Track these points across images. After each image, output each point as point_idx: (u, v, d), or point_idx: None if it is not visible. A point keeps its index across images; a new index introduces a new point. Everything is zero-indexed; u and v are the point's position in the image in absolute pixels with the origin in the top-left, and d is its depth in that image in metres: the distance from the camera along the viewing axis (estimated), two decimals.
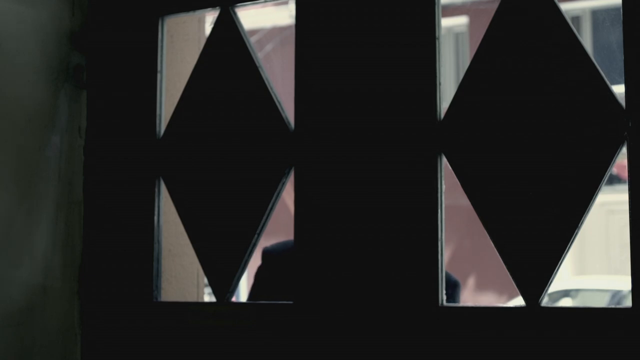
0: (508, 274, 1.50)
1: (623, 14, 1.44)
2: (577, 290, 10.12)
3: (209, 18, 2.03)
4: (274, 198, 1.74)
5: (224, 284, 1.77)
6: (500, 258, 1.51)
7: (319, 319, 1.64)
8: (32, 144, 1.83)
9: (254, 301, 2.52)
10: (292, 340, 1.66)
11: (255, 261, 2.10)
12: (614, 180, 9.84)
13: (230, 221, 1.78)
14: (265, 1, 1.82)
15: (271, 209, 1.75)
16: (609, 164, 1.44)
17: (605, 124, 1.44)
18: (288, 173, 1.73)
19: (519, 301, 3.09)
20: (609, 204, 11.12)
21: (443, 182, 1.58)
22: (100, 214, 1.92)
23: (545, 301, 1.49)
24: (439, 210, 1.56)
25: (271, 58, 11.44)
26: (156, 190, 1.86)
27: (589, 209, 1.45)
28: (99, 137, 1.94)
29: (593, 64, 1.47)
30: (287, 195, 1.75)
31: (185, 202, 1.84)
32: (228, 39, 1.83)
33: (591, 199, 1.45)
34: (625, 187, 1.44)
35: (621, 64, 1.43)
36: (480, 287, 11.76)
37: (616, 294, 9.64)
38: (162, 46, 1.90)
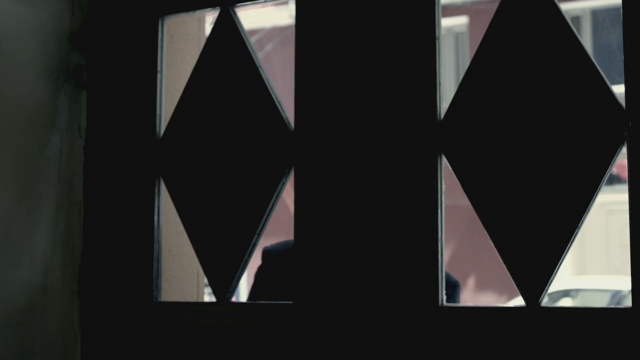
0: (508, 274, 1.50)
1: (623, 14, 1.44)
2: (577, 290, 10.11)
3: (209, 18, 2.03)
4: (274, 198, 1.74)
5: (224, 284, 1.77)
6: (500, 258, 1.51)
7: (319, 319, 1.64)
8: (32, 144, 1.83)
9: (254, 301, 2.52)
10: (292, 340, 1.66)
11: (255, 261, 2.10)
12: (614, 180, 9.84)
13: (230, 221, 1.78)
14: (265, 1, 1.82)
15: (271, 209, 1.75)
16: (609, 164, 1.44)
17: (605, 124, 1.44)
18: (288, 173, 1.73)
19: (519, 301, 3.09)
20: (609, 204, 11.12)
21: (443, 182, 1.58)
22: (100, 214, 1.92)
23: (545, 301, 1.49)
24: (439, 210, 1.56)
25: (271, 58, 11.43)
26: (156, 190, 1.86)
27: (589, 209, 1.45)
28: (99, 137, 1.94)
29: (593, 64, 1.47)
30: (287, 195, 1.75)
31: (185, 202, 1.84)
32: (228, 39, 1.83)
33: (591, 199, 1.45)
34: (625, 187, 1.44)
35: (621, 64, 1.43)
36: (480, 287, 11.76)
37: (616, 294, 9.64)
38: (162, 46, 1.90)
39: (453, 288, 2.51)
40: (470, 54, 11.78)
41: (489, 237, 1.53)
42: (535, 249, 1.48)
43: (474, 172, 1.54)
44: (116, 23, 1.95)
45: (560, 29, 1.50)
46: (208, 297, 3.19)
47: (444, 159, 1.58)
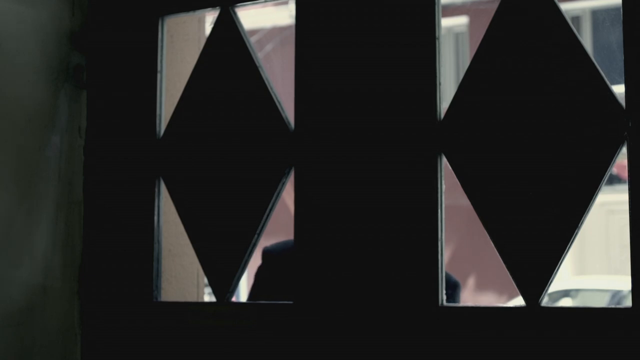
0: (508, 274, 1.50)
1: (623, 14, 1.44)
2: (577, 290, 10.12)
3: (209, 18, 2.03)
4: (274, 198, 1.74)
5: (224, 284, 1.77)
6: (500, 258, 1.51)
7: (319, 319, 1.64)
8: (32, 144, 1.83)
9: (254, 301, 2.52)
10: (292, 340, 1.66)
11: (255, 261, 2.10)
12: (614, 180, 9.84)
13: (230, 221, 1.78)
14: (265, 1, 1.82)
15: (271, 209, 1.75)
16: (609, 164, 1.44)
17: (605, 124, 1.44)
18: (288, 173, 1.73)
19: (519, 301, 3.09)
20: (609, 204, 11.12)
21: (443, 182, 1.58)
22: (100, 214, 1.92)
23: (545, 301, 1.49)
24: (439, 210, 1.56)
25: (271, 58, 11.43)
26: (156, 190, 1.86)
27: (589, 209, 1.45)
28: (99, 137, 1.94)
29: (593, 64, 1.47)
30: (287, 195, 1.75)
31: (185, 202, 1.84)
32: (228, 39, 1.83)
33: (591, 199, 1.45)
34: (625, 187, 1.44)
35: (621, 64, 1.43)
36: (480, 287, 11.76)
37: (616, 294, 9.64)
38: (162, 46, 1.90)
39: (453, 288, 2.51)
40: (470, 54, 11.78)
41: (489, 237, 1.53)
42: (535, 249, 1.48)
43: (474, 172, 1.54)
44: (116, 23, 1.95)
45: (560, 29, 1.50)
46: (208, 297, 3.19)
47: (444, 159, 1.58)
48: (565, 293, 10.06)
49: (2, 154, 1.76)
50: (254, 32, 11.64)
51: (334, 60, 1.67)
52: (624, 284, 9.42)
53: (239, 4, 1.82)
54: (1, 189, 1.76)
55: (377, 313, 1.58)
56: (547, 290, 1.47)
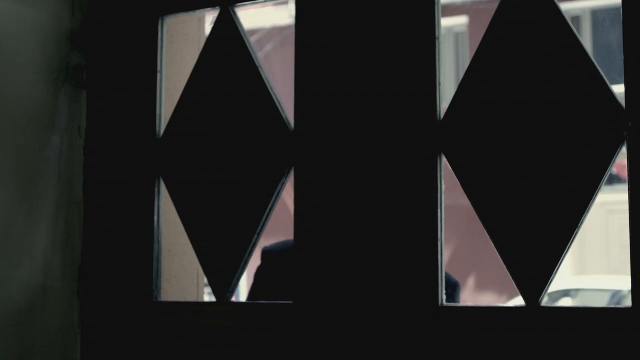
0: (508, 274, 1.50)
1: (623, 14, 1.44)
2: (577, 290, 10.12)
3: (209, 18, 2.03)
4: (274, 198, 1.74)
5: (224, 284, 1.77)
6: (500, 258, 1.51)
7: (319, 319, 1.64)
8: (32, 144, 1.83)
9: (254, 301, 2.52)
10: (292, 340, 1.66)
11: (255, 261, 2.10)
12: (614, 180, 9.84)
13: (230, 221, 1.78)
14: (265, 1, 1.82)
15: (271, 209, 1.75)
16: (609, 164, 1.44)
17: (605, 124, 1.44)
18: (288, 173, 1.73)
19: (519, 301, 3.09)
20: (609, 204, 11.12)
21: (443, 182, 1.58)
22: (100, 214, 1.92)
23: (545, 301, 1.49)
24: (439, 210, 1.56)
25: (271, 58, 11.44)
26: (156, 190, 1.86)
27: (589, 209, 1.45)
28: (99, 137, 1.94)
29: (593, 64, 1.47)
30: (287, 195, 1.75)
31: (185, 202, 1.84)
32: (228, 39, 1.83)
33: (591, 199, 1.45)
34: (625, 187, 1.44)
35: (621, 64, 1.43)
36: (480, 287, 11.76)
37: (616, 294, 9.64)
38: (162, 46, 1.90)
39: (453, 288, 2.51)
40: (470, 54, 11.78)
41: (489, 237, 1.53)
42: (535, 249, 1.48)
43: (474, 172, 1.54)
44: (116, 23, 1.95)
45: (560, 29, 1.50)
46: (208, 297, 3.19)
47: (444, 159, 1.58)
48: (565, 293, 10.06)
49: (2, 154, 1.76)
50: (254, 32, 11.64)
51: (334, 60, 1.67)
52: (624, 284, 9.42)
53: (239, 4, 1.82)
54: (1, 189, 1.76)
55: (377, 313, 1.58)
56: (547, 290, 1.47)
